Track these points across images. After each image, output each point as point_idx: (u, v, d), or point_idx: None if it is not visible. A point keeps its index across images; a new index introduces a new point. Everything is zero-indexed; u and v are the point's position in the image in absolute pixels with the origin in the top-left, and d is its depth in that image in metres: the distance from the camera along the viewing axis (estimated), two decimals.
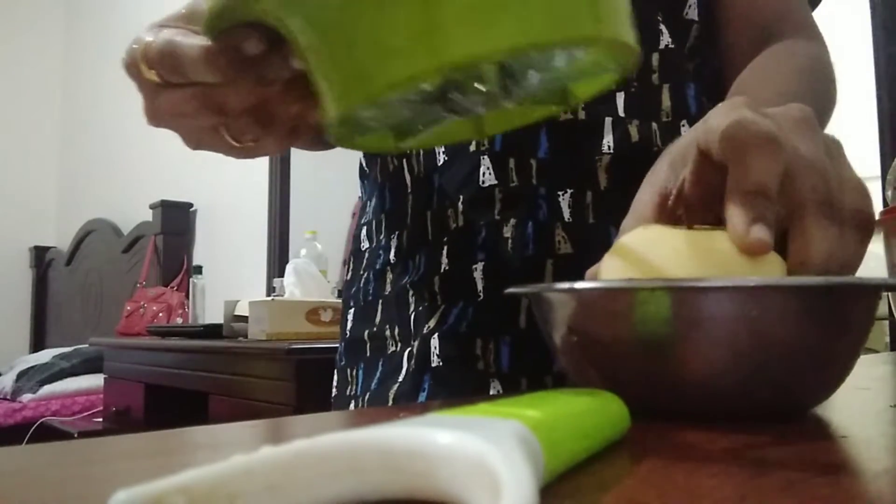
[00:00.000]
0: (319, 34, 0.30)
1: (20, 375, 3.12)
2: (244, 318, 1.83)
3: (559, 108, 0.38)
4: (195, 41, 0.34)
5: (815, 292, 0.29)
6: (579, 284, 0.31)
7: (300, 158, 2.55)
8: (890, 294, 0.55)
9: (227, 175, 2.89)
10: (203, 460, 0.15)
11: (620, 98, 0.54)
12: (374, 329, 0.61)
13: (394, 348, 0.59)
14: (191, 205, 3.12)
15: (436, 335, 0.54)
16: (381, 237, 0.63)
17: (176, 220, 3.09)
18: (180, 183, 3.17)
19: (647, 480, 0.20)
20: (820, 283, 0.30)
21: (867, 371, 0.51)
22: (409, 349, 0.56)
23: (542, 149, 0.53)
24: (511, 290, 0.36)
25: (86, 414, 2.92)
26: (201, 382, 1.84)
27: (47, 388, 2.99)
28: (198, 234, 3.12)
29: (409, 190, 0.59)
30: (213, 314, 2.40)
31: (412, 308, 0.57)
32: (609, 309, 0.30)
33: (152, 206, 3.11)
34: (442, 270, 0.55)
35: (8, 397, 3.08)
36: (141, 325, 2.75)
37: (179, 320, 2.78)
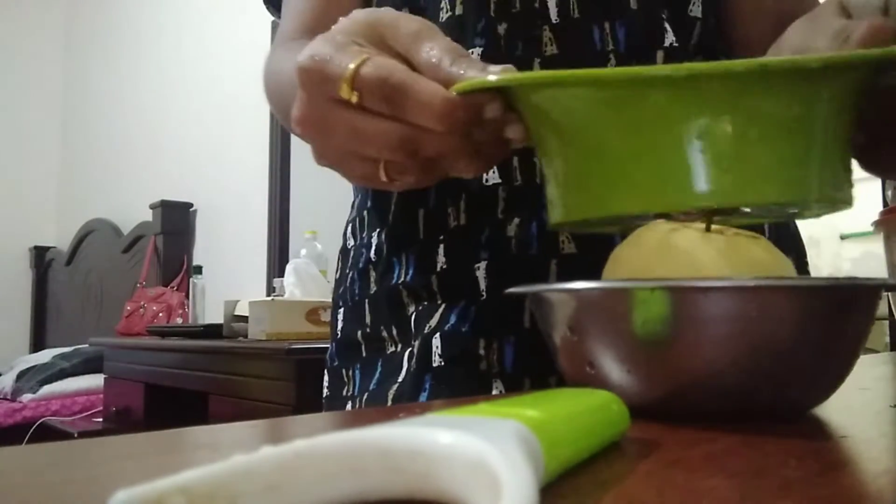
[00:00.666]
0: (577, 149, 0.33)
1: (20, 375, 3.12)
2: (244, 318, 1.83)
3: (782, 220, 0.41)
4: (433, 87, 0.33)
5: (814, 292, 0.29)
6: (579, 284, 0.31)
7: (300, 158, 2.55)
8: (890, 294, 0.56)
9: (227, 175, 2.89)
10: (203, 460, 0.15)
11: None
12: (368, 330, 0.60)
13: (393, 349, 0.58)
14: (191, 205, 3.12)
15: (437, 335, 0.54)
16: (364, 234, 0.63)
17: (176, 220, 3.09)
18: (180, 183, 3.17)
19: (647, 480, 0.20)
20: (820, 284, 0.31)
21: (867, 371, 0.51)
22: (409, 349, 0.56)
23: None
24: (511, 290, 0.36)
25: (86, 414, 2.92)
26: (201, 382, 1.84)
27: (47, 388, 2.99)
28: (198, 234, 3.12)
29: None
30: (213, 314, 2.40)
31: (411, 308, 0.57)
32: (609, 309, 0.30)
33: (152, 206, 3.11)
34: (439, 269, 0.55)
35: (8, 397, 3.08)
36: (141, 325, 2.75)
37: (179, 320, 2.78)
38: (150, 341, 2.26)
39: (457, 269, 0.54)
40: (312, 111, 0.36)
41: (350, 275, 0.63)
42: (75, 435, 2.59)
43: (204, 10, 3.15)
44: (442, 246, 0.55)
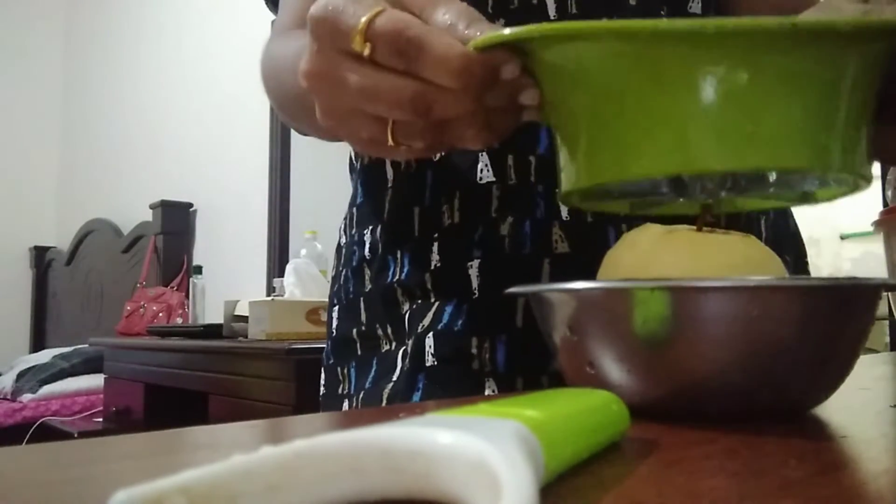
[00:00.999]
0: (594, 109, 0.32)
1: (20, 375, 3.12)
2: (244, 318, 1.83)
3: (796, 203, 0.40)
4: (449, 41, 0.32)
5: (815, 292, 0.29)
6: (579, 284, 0.31)
7: (300, 158, 2.55)
8: (890, 294, 0.55)
9: (227, 175, 2.89)
10: (203, 460, 0.15)
11: None
12: (363, 328, 0.60)
13: (388, 347, 0.58)
14: (191, 205, 3.12)
15: (430, 334, 0.54)
16: (354, 231, 0.62)
17: (176, 220, 3.09)
18: (180, 183, 3.17)
19: (647, 480, 0.20)
20: (820, 284, 0.30)
21: (867, 371, 0.51)
22: (403, 348, 0.56)
23: (541, 146, 0.53)
24: (511, 290, 0.36)
25: (86, 414, 2.92)
26: (201, 382, 1.84)
27: (47, 388, 2.99)
28: (198, 234, 3.12)
29: (390, 184, 0.59)
30: (213, 314, 2.40)
31: (406, 307, 0.57)
32: (609, 309, 0.30)
33: (152, 206, 3.11)
34: (433, 267, 0.55)
35: (8, 397, 3.08)
36: (141, 325, 2.75)
37: (179, 320, 2.78)
38: (150, 341, 2.26)
39: (450, 267, 0.54)
40: (322, 64, 0.35)
41: (344, 272, 0.63)
42: (75, 435, 2.59)
43: (204, 10, 3.15)
44: (436, 244, 0.55)
